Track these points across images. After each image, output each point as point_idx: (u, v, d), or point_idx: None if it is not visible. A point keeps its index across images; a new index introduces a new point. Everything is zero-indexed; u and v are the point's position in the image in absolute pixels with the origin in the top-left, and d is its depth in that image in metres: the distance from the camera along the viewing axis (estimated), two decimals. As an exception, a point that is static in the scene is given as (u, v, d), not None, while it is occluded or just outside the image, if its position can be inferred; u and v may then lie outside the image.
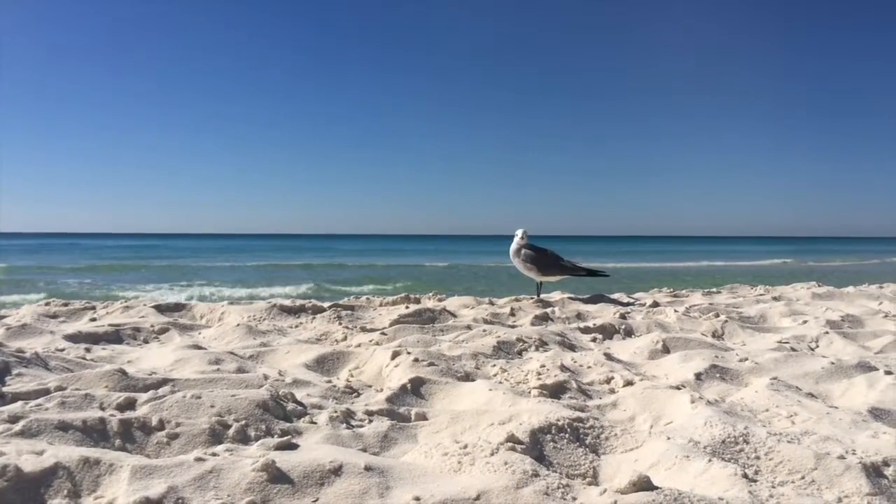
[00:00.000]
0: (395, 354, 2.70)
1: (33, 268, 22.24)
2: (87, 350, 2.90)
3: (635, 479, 1.45)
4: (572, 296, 4.96)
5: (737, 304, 4.84)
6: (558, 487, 1.48)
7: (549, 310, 4.26)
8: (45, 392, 2.04)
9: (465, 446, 1.66)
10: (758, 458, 1.75)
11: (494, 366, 2.73)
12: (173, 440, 1.77)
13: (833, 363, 2.78)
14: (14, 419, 1.73)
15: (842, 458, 1.69)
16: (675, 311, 4.28)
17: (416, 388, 2.35)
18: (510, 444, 1.72)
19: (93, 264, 25.11)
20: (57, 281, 17.22)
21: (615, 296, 5.16)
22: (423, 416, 2.10)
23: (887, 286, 6.18)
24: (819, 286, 5.98)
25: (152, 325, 3.48)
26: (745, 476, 1.59)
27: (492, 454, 1.61)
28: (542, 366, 2.64)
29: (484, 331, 3.40)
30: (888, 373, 2.59)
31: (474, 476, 1.54)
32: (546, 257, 5.01)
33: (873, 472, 1.65)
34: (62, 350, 2.84)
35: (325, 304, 4.22)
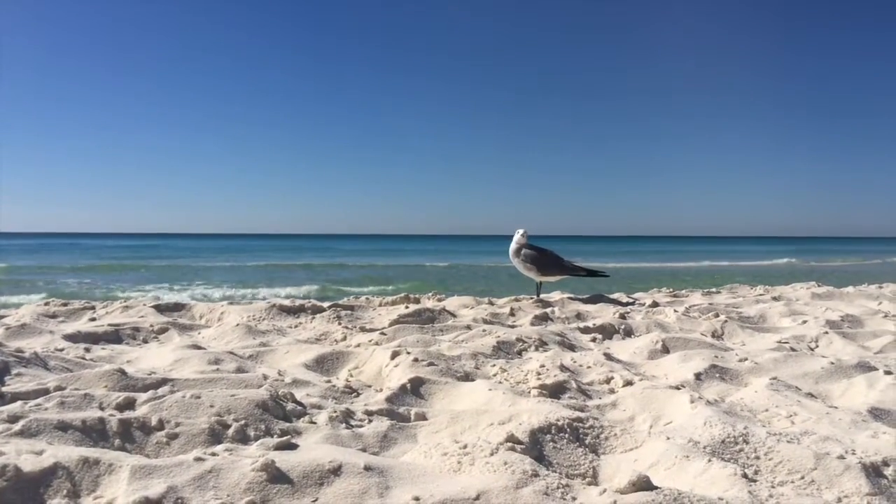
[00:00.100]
0: (395, 354, 2.70)
1: (33, 268, 22.24)
2: (87, 350, 2.90)
3: (635, 479, 1.45)
4: (572, 296, 4.96)
5: (736, 304, 4.84)
6: (558, 487, 1.48)
7: (548, 310, 4.26)
8: (45, 392, 2.04)
9: (465, 446, 1.66)
10: (757, 458, 1.75)
11: (494, 366, 2.73)
12: (173, 440, 1.77)
13: (833, 363, 2.78)
14: (13, 419, 1.73)
15: (841, 458, 1.69)
16: (675, 311, 4.28)
17: (415, 388, 2.35)
18: (510, 444, 1.72)
19: (93, 264, 25.11)
20: (57, 281, 17.22)
21: (615, 296, 5.16)
22: (422, 416, 2.10)
23: (887, 286, 6.19)
24: (819, 286, 5.98)
25: (152, 325, 3.48)
26: (745, 476, 1.59)
27: (491, 454, 1.61)
28: (542, 366, 2.64)
29: (483, 331, 3.40)
30: (888, 373, 2.59)
31: (474, 476, 1.54)
32: (546, 257, 5.01)
33: (873, 472, 1.65)
34: (61, 350, 2.84)
35: (325, 304, 4.22)
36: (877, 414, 2.16)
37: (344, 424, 1.96)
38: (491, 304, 4.60)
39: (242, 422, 1.88)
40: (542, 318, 4.03)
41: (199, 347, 2.92)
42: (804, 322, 4.04)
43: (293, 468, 1.50)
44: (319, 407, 2.11)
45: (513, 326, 3.74)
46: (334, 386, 2.41)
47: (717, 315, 4.09)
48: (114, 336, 3.28)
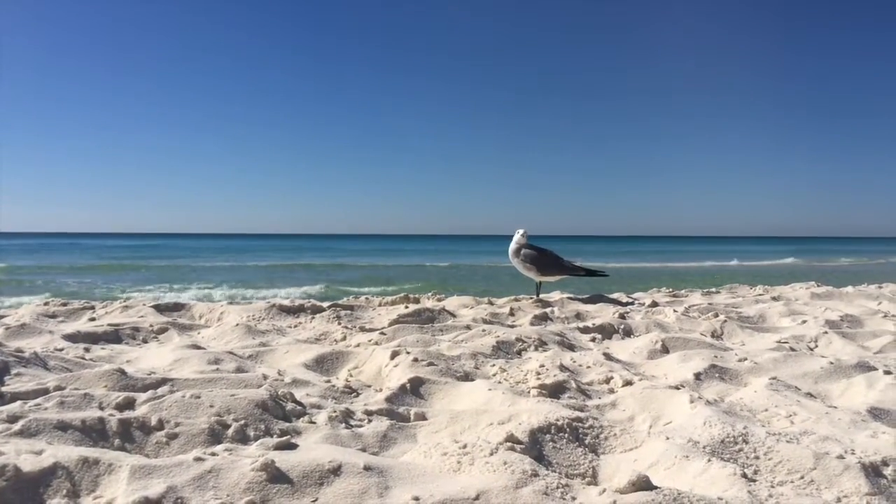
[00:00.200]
0: (395, 354, 2.70)
1: (33, 268, 22.23)
2: (86, 350, 2.90)
3: (634, 479, 1.46)
4: (571, 296, 4.96)
5: (736, 304, 4.84)
6: (557, 487, 1.48)
7: (548, 310, 4.26)
8: (44, 392, 2.04)
9: (465, 446, 1.66)
10: (757, 457, 1.75)
11: (494, 366, 2.73)
12: (172, 440, 1.77)
13: (832, 363, 2.78)
14: (13, 419, 1.73)
15: (841, 457, 1.69)
16: (675, 310, 4.28)
17: (415, 388, 2.35)
18: (509, 444, 1.72)
19: (93, 264, 25.10)
20: (57, 281, 17.22)
21: (614, 296, 5.16)
22: (422, 416, 2.10)
23: (886, 286, 6.19)
24: (818, 286, 5.98)
25: (151, 325, 3.48)
26: (745, 476, 1.59)
27: (491, 454, 1.61)
28: (542, 365, 2.64)
29: (483, 331, 3.40)
30: (887, 372, 2.59)
31: (474, 476, 1.54)
32: (545, 257, 5.01)
33: (872, 471, 1.65)
34: (61, 350, 2.84)
35: (325, 304, 4.22)
36: (876, 414, 2.17)
37: (343, 424, 1.96)
38: (490, 303, 4.60)
39: (242, 422, 1.88)
40: (542, 318, 4.03)
41: (198, 347, 2.92)
42: (804, 322, 4.04)
43: (293, 468, 1.50)
44: (319, 407, 2.12)
45: (512, 326, 3.74)
46: (334, 386, 2.41)
47: (716, 315, 4.09)
48: (113, 336, 3.28)
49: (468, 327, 3.56)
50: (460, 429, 1.99)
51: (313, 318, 3.90)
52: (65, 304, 4.05)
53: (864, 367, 2.74)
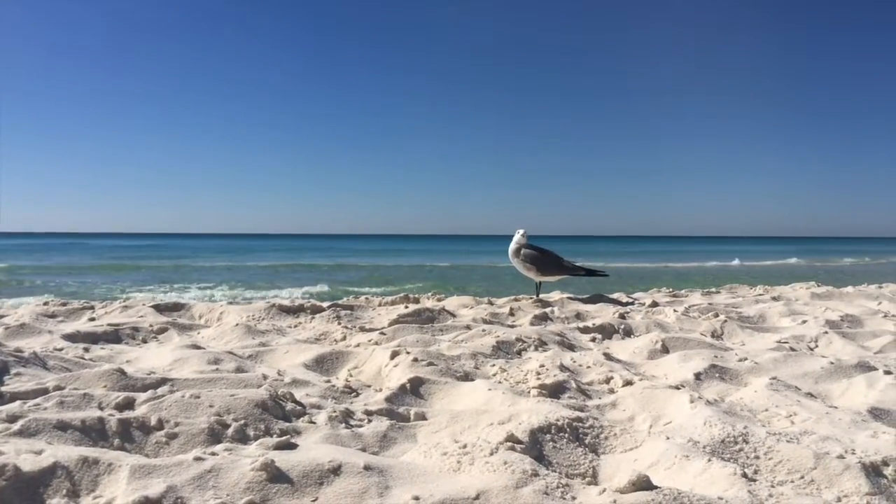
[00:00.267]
0: (395, 354, 2.70)
1: (33, 268, 22.23)
2: (86, 350, 2.89)
3: (635, 479, 1.45)
4: (571, 296, 4.96)
5: (736, 303, 4.84)
6: (558, 487, 1.48)
7: (548, 310, 4.26)
8: (44, 391, 2.04)
9: (465, 446, 1.66)
10: (757, 457, 1.75)
11: (494, 365, 2.73)
12: (172, 440, 1.77)
13: (832, 363, 2.78)
14: (12, 419, 1.73)
15: (841, 457, 1.69)
16: (675, 310, 4.28)
17: (415, 388, 2.35)
18: (509, 444, 1.72)
19: (93, 264, 25.10)
20: (56, 281, 17.22)
21: (614, 296, 5.16)
22: (422, 416, 2.10)
23: (886, 286, 6.19)
24: (818, 286, 5.98)
25: (151, 325, 3.48)
26: (745, 475, 1.59)
27: (491, 454, 1.61)
28: (542, 365, 2.64)
29: (483, 331, 3.40)
30: (887, 372, 2.59)
31: (474, 476, 1.54)
32: (545, 257, 5.01)
33: (872, 471, 1.65)
34: (61, 350, 2.84)
35: (324, 304, 4.22)
36: (876, 414, 2.16)
37: (343, 424, 1.96)
38: (490, 303, 4.60)
39: (242, 421, 1.88)
40: (542, 318, 4.03)
41: (198, 347, 2.92)
42: (804, 322, 4.04)
43: (293, 468, 1.50)
44: (319, 407, 2.11)
45: (512, 326, 3.74)
46: (334, 386, 2.41)
47: (716, 315, 4.09)
48: (113, 336, 3.28)
49: (468, 327, 3.56)
50: (460, 429, 1.99)
51: (313, 318, 3.90)
52: (64, 304, 4.05)
53: (865, 367, 2.74)
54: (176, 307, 4.10)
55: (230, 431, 1.83)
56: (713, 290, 5.85)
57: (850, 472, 1.62)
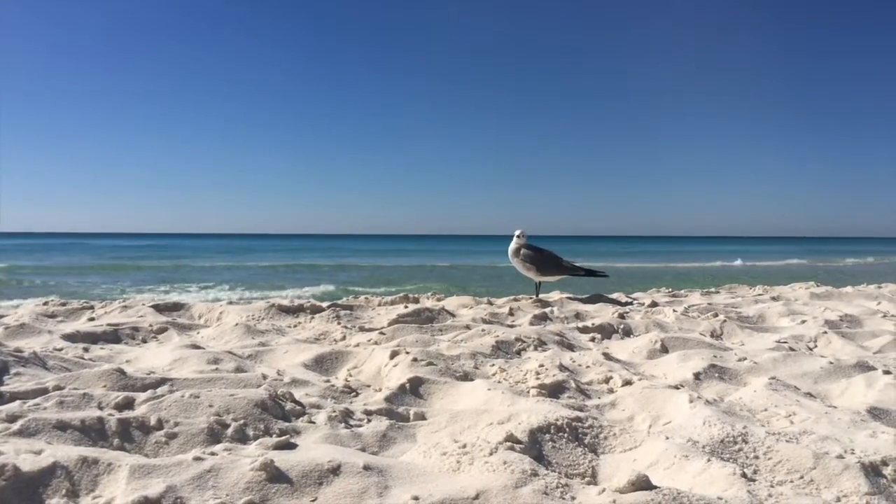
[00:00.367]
0: (394, 354, 2.70)
1: (33, 268, 22.22)
2: (86, 350, 2.89)
3: (634, 479, 1.45)
4: (571, 296, 4.96)
5: (735, 303, 4.84)
6: (557, 487, 1.48)
7: (547, 310, 4.26)
8: (44, 391, 2.04)
9: (464, 446, 1.66)
10: (756, 457, 1.75)
11: (493, 365, 2.73)
12: (172, 440, 1.77)
13: (832, 363, 2.78)
14: (12, 418, 1.73)
15: (840, 457, 1.69)
16: (674, 310, 4.28)
17: (414, 388, 2.35)
18: (509, 444, 1.72)
19: (93, 264, 25.09)
20: (56, 281, 17.21)
21: (614, 296, 5.17)
22: (421, 416, 2.10)
23: (886, 286, 6.19)
24: (817, 286, 5.98)
25: (151, 325, 3.48)
26: (744, 475, 1.59)
27: (491, 454, 1.61)
28: (541, 365, 2.64)
29: (483, 330, 3.40)
30: (886, 372, 2.59)
31: (473, 475, 1.54)
32: (545, 257, 5.02)
33: (872, 471, 1.65)
34: (60, 349, 2.84)
35: (324, 304, 4.23)
36: (876, 413, 2.17)
37: (343, 424, 1.96)
38: (490, 303, 4.60)
39: (241, 421, 1.88)
40: (541, 318, 4.03)
41: (198, 347, 2.92)
42: (803, 322, 4.04)
43: (292, 468, 1.50)
44: (318, 406, 2.11)
45: (512, 326, 3.74)
46: (333, 386, 2.41)
47: (715, 315, 4.09)
48: (113, 336, 3.28)
49: (467, 327, 3.56)
50: (460, 428, 1.99)
51: (312, 317, 3.90)
52: (64, 304, 4.04)
53: (864, 367, 2.74)
54: (175, 307, 4.10)
55: (230, 431, 1.83)
56: (712, 290, 5.86)
57: (849, 472, 1.63)
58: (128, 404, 1.94)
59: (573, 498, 1.45)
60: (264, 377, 2.37)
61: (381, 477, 1.50)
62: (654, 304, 4.70)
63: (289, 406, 2.06)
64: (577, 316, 4.20)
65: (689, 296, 5.41)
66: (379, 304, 4.47)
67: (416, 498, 1.41)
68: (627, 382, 2.48)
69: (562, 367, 2.66)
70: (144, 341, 3.29)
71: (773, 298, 5.14)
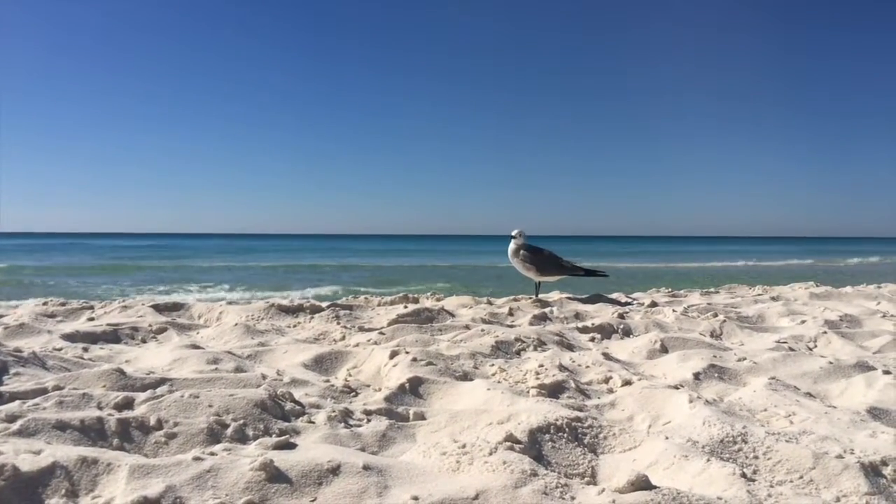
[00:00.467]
0: (394, 354, 2.70)
1: (34, 268, 22.22)
2: (85, 349, 2.89)
3: (634, 479, 1.45)
4: (571, 296, 4.96)
5: (735, 303, 4.84)
6: (557, 487, 1.48)
7: (547, 310, 4.26)
8: (43, 391, 2.04)
9: (464, 446, 1.66)
10: (756, 457, 1.75)
11: (493, 365, 2.73)
12: (171, 440, 1.77)
13: (831, 363, 2.78)
14: (11, 418, 1.73)
15: (840, 457, 1.69)
16: (674, 310, 4.28)
17: (414, 388, 2.35)
18: (509, 444, 1.72)
19: (93, 264, 25.09)
20: (56, 281, 17.21)
21: (613, 296, 5.17)
22: (421, 416, 2.10)
23: (885, 286, 6.19)
24: (817, 286, 5.98)
25: (150, 325, 3.48)
26: (744, 475, 1.59)
27: (490, 454, 1.61)
28: (541, 365, 2.64)
29: (482, 330, 3.40)
30: (886, 372, 2.59)
31: (473, 475, 1.54)
32: (545, 257, 5.02)
33: (871, 471, 1.65)
34: (60, 349, 2.84)
35: (324, 304, 4.23)
36: (875, 413, 2.17)
37: (342, 424, 1.96)
38: (489, 303, 4.60)
39: (241, 421, 1.88)
40: (541, 318, 4.03)
41: (197, 347, 2.92)
42: (803, 322, 4.04)
43: (292, 468, 1.50)
44: (318, 406, 2.11)
45: (511, 326, 3.74)
46: (333, 385, 2.41)
47: (715, 315, 4.09)
48: (112, 336, 3.28)
49: (467, 327, 3.56)
50: (459, 428, 1.99)
51: (312, 317, 3.90)
52: (63, 304, 4.04)
53: (863, 367, 2.74)
54: (175, 307, 4.10)
55: (229, 431, 1.83)
56: (712, 290, 5.86)
57: (848, 472, 1.63)
58: (127, 404, 1.94)
59: (573, 498, 1.45)
60: (264, 377, 2.37)
61: (380, 477, 1.50)
62: (653, 304, 4.70)
63: (288, 406, 2.06)
64: (577, 316, 4.20)
65: (689, 296, 5.41)
66: (378, 304, 4.47)
67: (415, 498, 1.41)
68: (627, 382, 2.48)
69: (561, 367, 2.66)
70: (144, 341, 3.29)
71: (773, 298, 5.14)
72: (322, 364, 2.77)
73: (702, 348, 3.14)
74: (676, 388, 2.31)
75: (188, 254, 35.83)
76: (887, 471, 1.67)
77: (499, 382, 2.46)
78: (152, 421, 1.81)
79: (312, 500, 1.43)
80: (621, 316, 4.01)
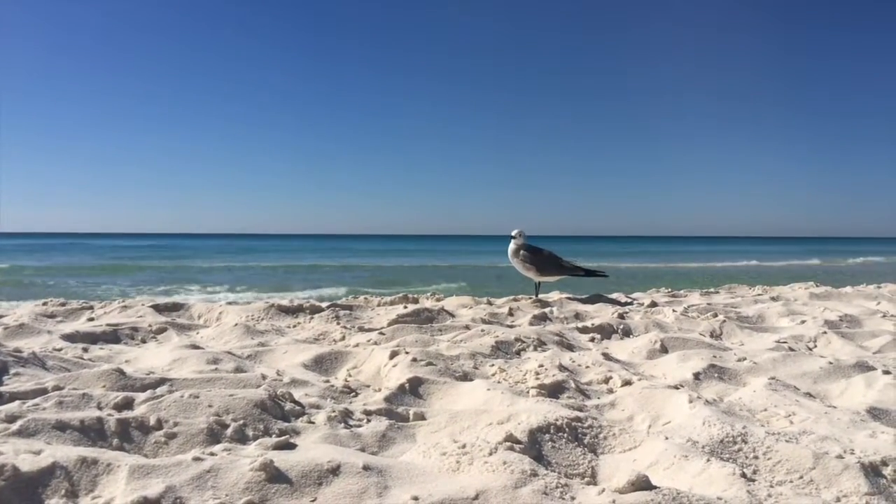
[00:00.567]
0: (394, 354, 2.70)
1: (34, 268, 22.22)
2: (85, 350, 2.89)
3: (634, 479, 1.45)
4: (571, 296, 4.96)
5: (735, 303, 4.84)
6: (557, 487, 1.48)
7: (547, 310, 4.26)
8: (43, 392, 2.04)
9: (464, 446, 1.66)
10: (756, 457, 1.75)
11: (493, 366, 2.73)
12: (171, 440, 1.76)
13: (831, 363, 2.78)
14: (11, 419, 1.73)
15: (840, 457, 1.69)
16: (674, 310, 4.28)
17: (414, 388, 2.35)
18: (508, 444, 1.72)
19: (93, 265, 25.08)
20: (56, 281, 17.21)
21: (613, 296, 5.17)
22: (421, 416, 2.10)
23: (885, 286, 6.19)
24: (817, 286, 5.98)
25: (150, 325, 3.48)
26: (744, 475, 1.59)
27: (490, 454, 1.61)
28: (541, 365, 2.64)
29: (482, 331, 3.40)
30: (886, 372, 2.59)
31: (473, 476, 1.54)
32: (545, 257, 5.02)
33: (871, 471, 1.65)
34: (60, 350, 2.83)
35: (323, 304, 4.22)
36: (875, 413, 2.17)
37: (342, 424, 1.96)
38: (489, 304, 4.60)
39: (241, 422, 1.88)
40: (541, 318, 4.03)
41: (197, 347, 2.92)
42: (802, 322, 4.04)
43: (292, 468, 1.50)
44: (318, 407, 2.11)
45: (511, 326, 3.74)
46: (333, 386, 2.41)
47: (715, 315, 4.09)
48: (112, 336, 3.28)
49: (467, 327, 3.56)
50: (459, 429, 1.99)
51: (312, 318, 3.90)
52: (63, 304, 4.04)
53: (863, 367, 2.74)
54: (175, 307, 4.10)
55: (229, 431, 1.83)
56: (712, 290, 5.86)
57: (848, 472, 1.63)
58: (127, 404, 1.94)
59: (573, 498, 1.45)
60: (264, 377, 2.36)
61: (380, 477, 1.50)
62: (653, 305, 4.69)
63: (288, 406, 2.06)
64: (577, 316, 4.20)
65: (689, 296, 5.41)
66: (378, 305, 4.47)
67: (415, 498, 1.41)
68: (627, 382, 2.48)
69: (561, 368, 2.66)
70: (144, 341, 3.29)
71: (773, 298, 5.14)
72: (322, 364, 2.77)
73: (702, 348, 3.14)
74: (676, 388, 2.31)
75: (188, 254, 35.82)
76: (887, 471, 1.67)
77: (499, 383, 2.46)
78: (152, 421, 1.81)
79: (312, 501, 1.42)
80: (621, 316, 4.01)
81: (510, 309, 4.26)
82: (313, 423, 1.97)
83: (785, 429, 1.98)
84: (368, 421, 2.03)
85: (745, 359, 2.91)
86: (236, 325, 3.46)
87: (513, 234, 5.05)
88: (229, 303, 4.30)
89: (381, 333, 3.33)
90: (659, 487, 1.46)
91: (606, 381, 2.56)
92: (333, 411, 2.03)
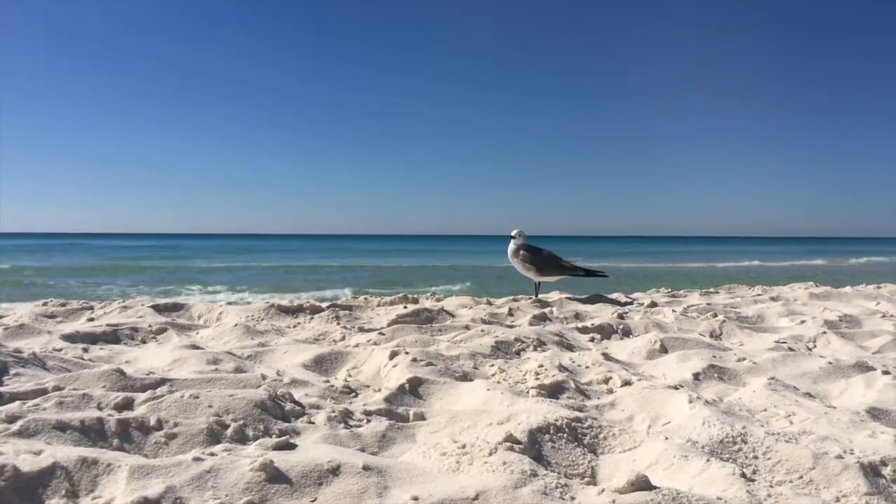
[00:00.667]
0: (394, 354, 2.70)
1: (34, 269, 22.21)
2: (85, 350, 2.90)
3: (633, 479, 1.46)
4: (570, 296, 4.96)
5: (734, 304, 4.84)
6: (557, 487, 1.48)
7: (547, 310, 4.26)
8: (43, 392, 2.04)
9: (464, 446, 1.66)
10: (756, 457, 1.75)
11: (493, 366, 2.73)
12: (171, 440, 1.77)
13: (831, 363, 2.78)
14: (12, 419, 1.73)
15: (840, 457, 1.69)
16: (673, 311, 4.28)
17: (414, 388, 2.35)
18: (508, 444, 1.72)
19: (94, 265, 25.08)
20: (56, 281, 17.21)
21: (613, 296, 5.17)
22: (421, 416, 2.10)
23: (885, 286, 6.19)
24: (816, 286, 5.98)
25: (150, 325, 3.48)
26: (744, 475, 1.59)
27: (490, 454, 1.61)
28: (541, 366, 2.64)
29: (482, 331, 3.40)
30: (886, 373, 2.59)
31: (473, 476, 1.54)
32: (544, 257, 5.02)
33: (871, 471, 1.65)
34: (60, 350, 2.84)
35: (323, 305, 4.23)
36: (875, 414, 2.17)
37: (342, 424, 1.96)
38: (489, 304, 4.60)
39: (241, 422, 1.88)
40: (541, 318, 4.03)
41: (197, 347, 2.92)
42: (802, 322, 4.05)
43: (292, 468, 1.50)
44: (318, 407, 2.12)
45: (511, 326, 3.74)
46: (333, 386, 2.41)
47: (715, 315, 4.09)
48: (112, 336, 3.28)
49: (467, 327, 3.56)
50: (459, 429, 1.99)
51: (312, 318, 3.90)
52: (63, 305, 4.04)
53: (863, 367, 2.74)
54: (175, 307, 4.10)
55: (229, 432, 1.83)
56: (712, 290, 5.86)
57: (848, 472, 1.63)
58: (127, 405, 1.94)
59: (573, 498, 1.45)
60: (264, 377, 2.37)
61: (380, 477, 1.50)
62: (653, 305, 4.70)
63: (288, 406, 2.06)
64: (577, 316, 4.20)
65: (689, 296, 5.41)
66: (378, 305, 4.47)
67: (415, 498, 1.41)
68: (627, 383, 2.48)
69: (561, 368, 2.66)
70: (144, 342, 3.29)
71: (773, 298, 5.14)
72: (322, 364, 2.78)
73: (701, 348, 3.15)
74: (676, 388, 2.31)
75: (188, 254, 35.82)
76: (887, 471, 1.67)
77: (499, 383, 2.47)
78: (152, 421, 1.81)
79: (312, 501, 1.43)
80: (621, 316, 4.01)
81: (510, 309, 4.26)
82: (313, 423, 1.97)
83: (784, 429, 1.98)
84: (368, 421, 2.03)
85: (744, 359, 2.91)
86: (236, 325, 3.46)
87: (513, 234, 5.05)
88: (229, 303, 4.31)
89: (381, 334, 3.34)
90: (659, 487, 1.46)
91: (606, 381, 2.56)
92: (333, 411, 2.03)
